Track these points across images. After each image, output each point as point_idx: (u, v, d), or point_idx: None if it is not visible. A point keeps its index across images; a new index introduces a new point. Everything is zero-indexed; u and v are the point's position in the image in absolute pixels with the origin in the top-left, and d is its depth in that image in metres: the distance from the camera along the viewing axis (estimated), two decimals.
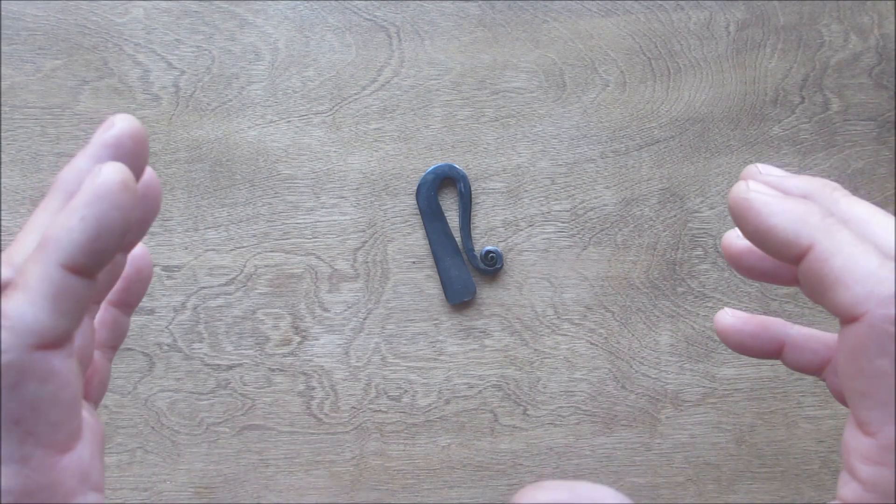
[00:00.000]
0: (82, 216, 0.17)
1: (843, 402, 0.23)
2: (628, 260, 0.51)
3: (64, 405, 0.18)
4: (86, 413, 0.20)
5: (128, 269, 0.24)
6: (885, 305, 0.17)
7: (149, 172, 0.20)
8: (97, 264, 0.17)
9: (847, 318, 0.18)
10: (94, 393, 0.23)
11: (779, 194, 0.19)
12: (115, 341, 0.25)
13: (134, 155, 0.19)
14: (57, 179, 0.19)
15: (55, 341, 0.17)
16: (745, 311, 0.51)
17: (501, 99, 0.51)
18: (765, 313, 0.50)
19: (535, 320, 0.50)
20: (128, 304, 0.25)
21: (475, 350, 0.50)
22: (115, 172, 0.17)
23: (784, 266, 0.23)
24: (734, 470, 0.50)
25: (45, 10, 0.50)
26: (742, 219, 0.19)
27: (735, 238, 0.23)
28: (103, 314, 0.24)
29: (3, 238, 0.50)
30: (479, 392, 0.50)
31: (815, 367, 0.24)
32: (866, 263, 0.18)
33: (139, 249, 0.24)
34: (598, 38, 0.51)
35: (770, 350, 0.25)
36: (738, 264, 0.23)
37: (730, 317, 0.25)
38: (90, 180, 0.17)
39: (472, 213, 0.51)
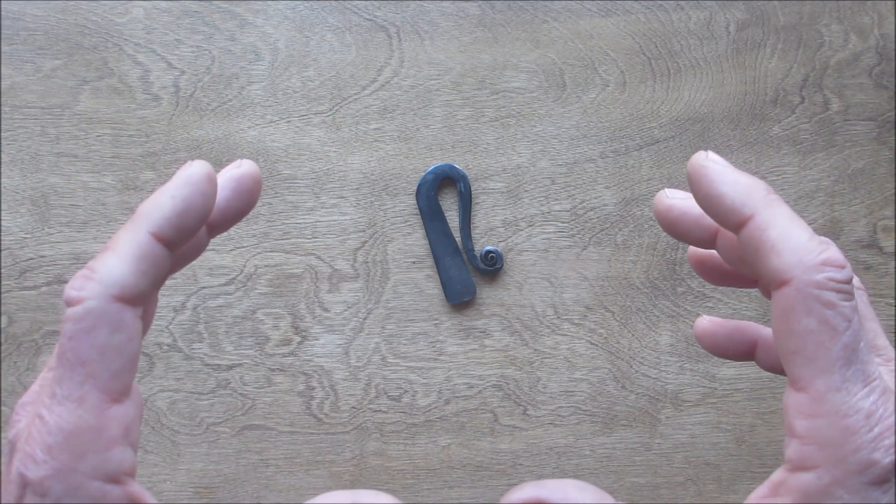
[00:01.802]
0: (172, 195, 0.20)
1: (777, 371, 0.26)
2: (628, 260, 0.51)
3: (126, 357, 0.20)
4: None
5: (229, 191, 0.24)
6: (811, 272, 0.19)
7: (251, 166, 0.23)
8: (180, 238, 0.20)
9: (778, 283, 0.20)
10: (146, 323, 0.24)
11: (731, 167, 0.21)
12: (189, 257, 0.25)
13: (250, 192, 0.23)
14: (141, 206, 0.22)
15: (133, 298, 0.20)
16: (744, 310, 0.51)
17: (501, 99, 0.51)
18: (762, 314, 0.50)
19: (535, 320, 0.50)
20: (219, 227, 0.24)
21: (475, 350, 0.50)
22: (202, 167, 0.21)
23: (700, 233, 0.25)
24: (734, 470, 0.50)
25: (45, 10, 0.50)
26: (697, 183, 0.21)
27: (665, 197, 0.25)
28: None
29: (3, 238, 0.50)
30: (479, 392, 0.50)
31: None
32: (798, 236, 0.20)
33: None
34: (598, 38, 0.51)
35: (744, 350, 0.27)
36: (666, 220, 0.25)
37: (706, 321, 0.27)
38: (182, 171, 0.21)
39: (472, 213, 0.51)
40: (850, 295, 0.19)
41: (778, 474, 0.20)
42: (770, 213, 0.20)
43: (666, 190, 0.24)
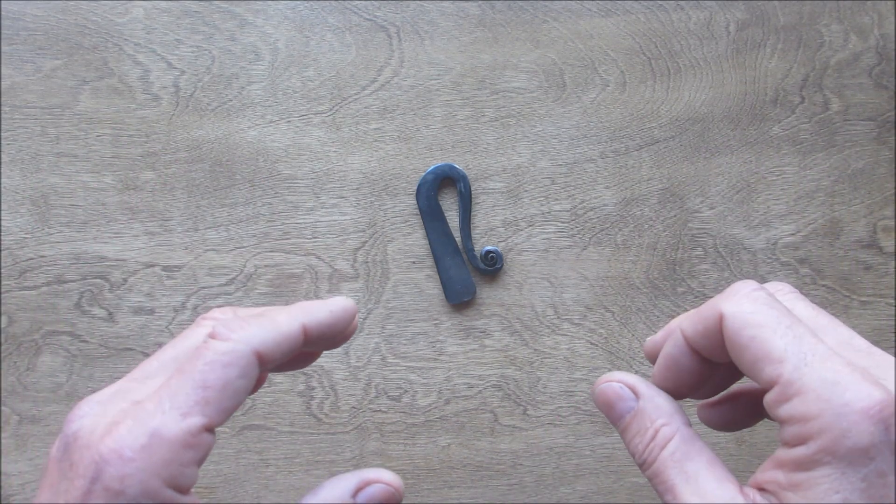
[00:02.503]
0: (330, 310, 0.25)
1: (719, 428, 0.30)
2: (628, 260, 0.51)
3: (236, 401, 0.22)
4: None
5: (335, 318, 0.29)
6: (729, 299, 0.24)
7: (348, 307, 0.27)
8: (316, 340, 0.25)
9: (718, 328, 0.24)
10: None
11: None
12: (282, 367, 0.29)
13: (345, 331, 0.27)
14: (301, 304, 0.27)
15: (265, 361, 0.23)
16: None
17: (501, 99, 0.51)
18: None
19: (535, 320, 0.50)
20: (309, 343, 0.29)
21: (475, 350, 0.50)
22: (351, 303, 0.26)
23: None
24: (734, 470, 0.50)
25: (45, 10, 0.50)
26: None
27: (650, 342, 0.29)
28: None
29: (3, 238, 0.50)
30: (479, 392, 0.50)
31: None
32: (712, 301, 0.24)
33: (347, 304, 0.29)
34: (598, 38, 0.51)
35: (750, 411, 0.29)
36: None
37: (706, 410, 0.30)
38: (338, 301, 0.26)
39: (472, 213, 0.51)
40: (768, 299, 0.23)
41: (779, 452, 0.22)
42: (682, 318, 0.25)
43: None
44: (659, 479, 0.23)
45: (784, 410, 0.22)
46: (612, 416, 0.26)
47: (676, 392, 0.26)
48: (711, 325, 0.24)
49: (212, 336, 0.22)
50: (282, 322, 0.24)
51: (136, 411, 0.21)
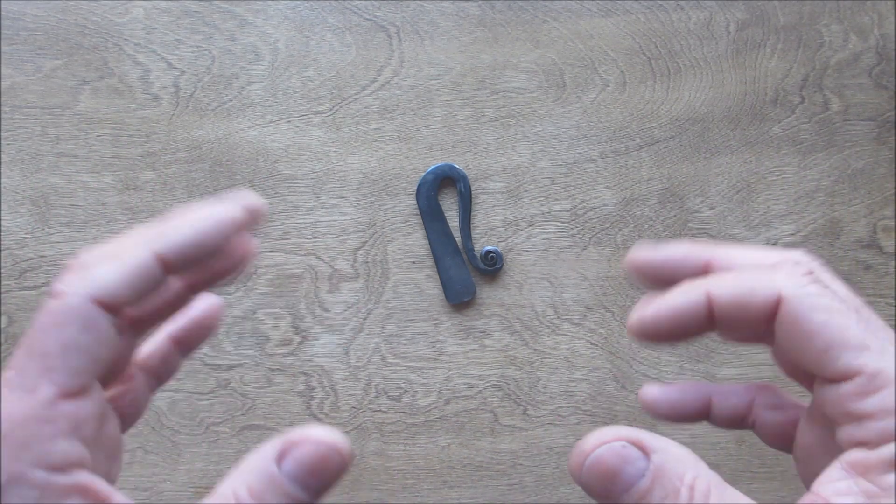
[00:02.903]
0: (190, 221, 0.21)
1: (734, 426, 0.26)
2: None
3: (90, 357, 0.20)
4: (112, 424, 0.23)
5: (197, 313, 0.27)
6: (790, 280, 0.21)
7: (217, 308, 0.25)
8: (186, 264, 0.21)
9: (772, 311, 0.21)
10: (127, 411, 0.25)
11: (663, 308, 0.23)
12: (162, 374, 0.27)
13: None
14: (160, 220, 0.23)
15: (111, 305, 0.20)
16: None
17: (501, 99, 0.51)
18: None
19: (535, 320, 0.50)
20: (186, 345, 0.27)
21: (475, 350, 0.50)
22: (226, 209, 0.21)
23: (689, 402, 0.26)
24: (734, 470, 0.50)
25: (45, 10, 0.50)
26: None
27: (648, 390, 0.26)
28: (161, 344, 0.26)
29: (3, 238, 0.50)
30: (479, 392, 0.50)
31: (742, 411, 0.26)
32: (755, 274, 0.21)
33: (215, 300, 0.27)
34: (598, 38, 0.51)
35: (698, 407, 0.26)
36: (654, 411, 0.26)
37: (655, 389, 0.26)
38: (213, 209, 0.21)
39: (472, 213, 0.51)
40: (823, 282, 0.21)
41: (854, 455, 0.20)
42: (716, 282, 0.22)
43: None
44: None
45: (870, 404, 0.19)
46: (619, 486, 0.21)
47: (652, 340, 0.23)
48: (760, 299, 0.21)
49: (51, 294, 0.20)
50: (126, 257, 0.20)
51: None
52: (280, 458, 0.20)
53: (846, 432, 0.20)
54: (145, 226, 0.22)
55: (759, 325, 0.21)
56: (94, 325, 0.20)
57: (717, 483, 0.20)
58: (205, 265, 0.21)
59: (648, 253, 0.24)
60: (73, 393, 0.20)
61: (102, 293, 0.20)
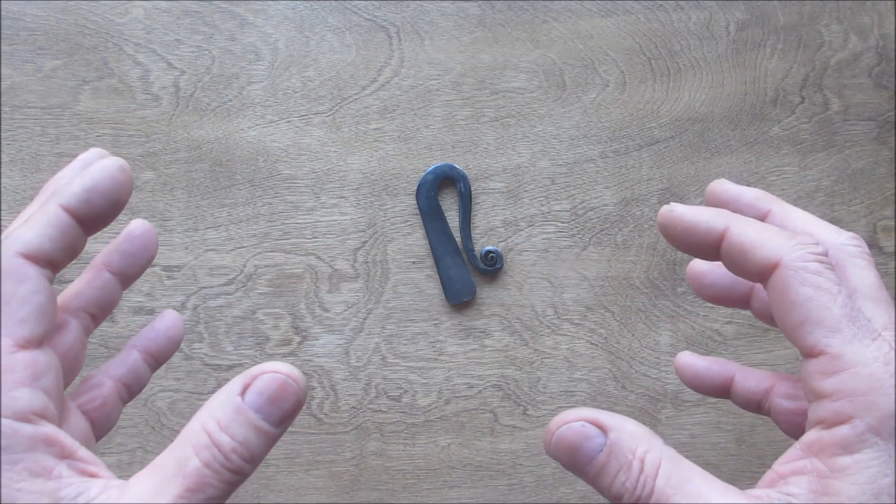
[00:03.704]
0: (83, 176, 0.22)
1: (751, 407, 0.28)
2: (628, 260, 0.51)
3: (32, 306, 0.21)
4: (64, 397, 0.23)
5: (162, 325, 0.28)
6: (794, 251, 0.21)
7: (142, 224, 0.27)
8: (89, 212, 0.22)
9: (769, 270, 0.22)
10: (97, 418, 0.26)
11: (693, 207, 0.24)
12: (131, 383, 0.28)
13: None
14: (47, 183, 0.25)
15: (37, 256, 0.21)
16: (742, 311, 0.51)
17: (501, 99, 0.51)
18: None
19: (535, 320, 0.50)
20: (153, 357, 0.28)
21: (475, 350, 0.50)
22: (116, 160, 0.23)
23: (736, 287, 0.28)
24: (734, 470, 0.50)
25: (45, 10, 0.50)
26: (671, 227, 0.24)
27: (697, 263, 0.28)
28: (128, 355, 0.28)
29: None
30: (479, 392, 0.50)
31: (759, 395, 0.28)
32: (772, 234, 0.22)
33: (172, 315, 0.29)
34: (598, 38, 0.51)
35: (722, 382, 0.29)
36: (698, 284, 0.28)
37: (688, 355, 0.29)
38: (98, 160, 0.23)
39: (472, 213, 0.51)
40: (830, 265, 0.21)
41: (811, 435, 0.21)
42: (741, 223, 0.23)
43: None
44: None
45: (829, 384, 0.21)
46: (579, 461, 0.22)
47: (671, 235, 0.24)
48: (762, 259, 0.22)
49: None
50: (37, 215, 0.22)
51: None
52: (243, 391, 0.21)
53: (810, 412, 0.21)
54: (44, 189, 0.24)
55: (751, 276, 0.23)
56: (27, 276, 0.21)
57: (669, 456, 0.22)
58: (109, 216, 0.23)
59: (725, 187, 0.26)
60: (27, 342, 0.21)
61: (26, 248, 0.21)
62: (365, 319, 0.50)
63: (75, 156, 0.50)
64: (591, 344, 0.50)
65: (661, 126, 0.51)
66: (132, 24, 0.50)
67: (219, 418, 0.21)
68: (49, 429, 0.20)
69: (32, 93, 0.50)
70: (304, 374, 0.50)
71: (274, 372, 0.21)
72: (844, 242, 0.23)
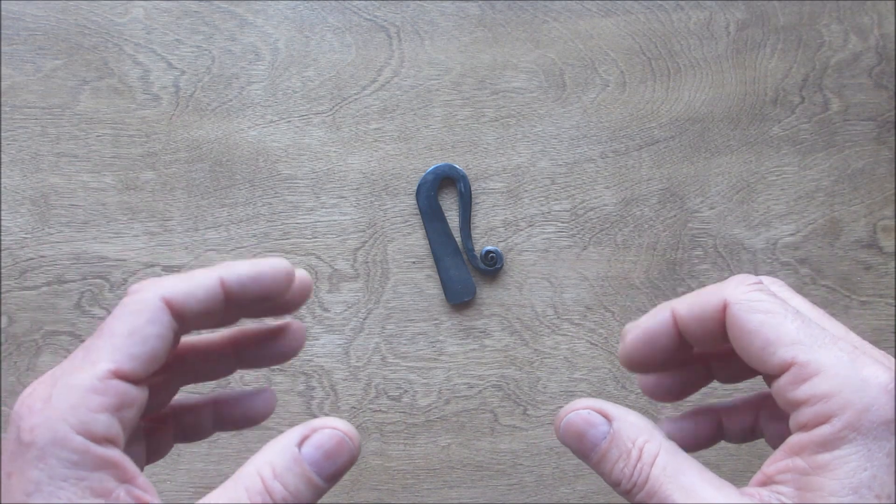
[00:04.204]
0: (255, 263, 0.24)
1: (747, 438, 0.29)
2: (628, 260, 0.51)
3: (149, 348, 0.22)
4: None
5: (255, 402, 0.29)
6: (736, 289, 0.23)
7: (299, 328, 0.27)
8: (242, 295, 0.23)
9: (719, 312, 0.23)
10: (152, 445, 0.27)
11: (636, 325, 0.26)
12: (191, 432, 0.29)
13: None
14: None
15: (176, 306, 0.22)
16: None
17: (501, 99, 0.51)
18: None
19: (535, 320, 0.50)
20: (224, 421, 0.29)
21: (475, 350, 0.50)
22: (288, 265, 0.24)
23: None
24: (734, 470, 0.50)
25: (45, 10, 0.50)
26: (633, 349, 0.26)
27: (644, 380, 0.28)
28: (199, 403, 0.29)
29: (3, 238, 0.50)
30: (479, 392, 0.50)
31: (749, 426, 0.29)
32: (709, 290, 0.24)
33: (269, 398, 0.30)
34: (598, 38, 0.51)
35: (711, 434, 0.29)
36: (656, 390, 0.29)
37: (670, 425, 0.29)
38: (273, 260, 0.24)
39: (472, 213, 0.51)
40: (770, 292, 0.23)
41: (793, 438, 0.22)
42: (680, 301, 0.25)
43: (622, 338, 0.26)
44: (655, 498, 0.22)
45: (802, 391, 0.21)
46: (584, 447, 0.24)
47: (641, 366, 0.26)
48: (711, 309, 0.24)
49: (125, 294, 0.23)
50: (197, 274, 0.23)
51: (55, 371, 0.22)
52: (301, 441, 0.22)
53: (791, 420, 0.22)
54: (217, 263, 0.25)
55: (715, 331, 0.24)
56: (160, 319, 0.22)
57: (668, 448, 0.23)
58: (256, 308, 0.24)
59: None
60: (127, 376, 0.21)
61: (171, 295, 0.22)
62: (365, 319, 0.50)
63: (75, 155, 0.50)
64: (591, 344, 0.50)
65: (661, 126, 0.51)
66: (132, 24, 0.50)
67: (274, 465, 0.22)
68: (116, 454, 0.21)
69: (32, 93, 0.50)
70: (304, 374, 0.50)
71: (333, 428, 0.23)
72: (756, 286, 0.24)
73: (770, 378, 0.23)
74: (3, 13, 0.50)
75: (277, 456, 0.22)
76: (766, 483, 0.23)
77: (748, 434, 0.29)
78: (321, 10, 0.51)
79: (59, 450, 0.20)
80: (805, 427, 0.21)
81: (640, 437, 0.23)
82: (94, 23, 0.50)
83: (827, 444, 0.21)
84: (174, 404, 0.28)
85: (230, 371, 0.27)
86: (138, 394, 0.22)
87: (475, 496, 0.50)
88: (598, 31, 0.51)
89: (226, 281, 0.23)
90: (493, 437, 0.50)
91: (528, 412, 0.50)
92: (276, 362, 0.28)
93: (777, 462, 0.22)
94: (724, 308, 0.23)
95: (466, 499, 0.50)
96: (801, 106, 0.51)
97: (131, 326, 0.22)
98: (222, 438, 0.49)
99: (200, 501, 0.21)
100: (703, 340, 0.25)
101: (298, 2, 0.51)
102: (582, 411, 0.24)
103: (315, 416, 0.50)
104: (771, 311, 0.22)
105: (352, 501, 0.49)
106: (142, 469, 0.26)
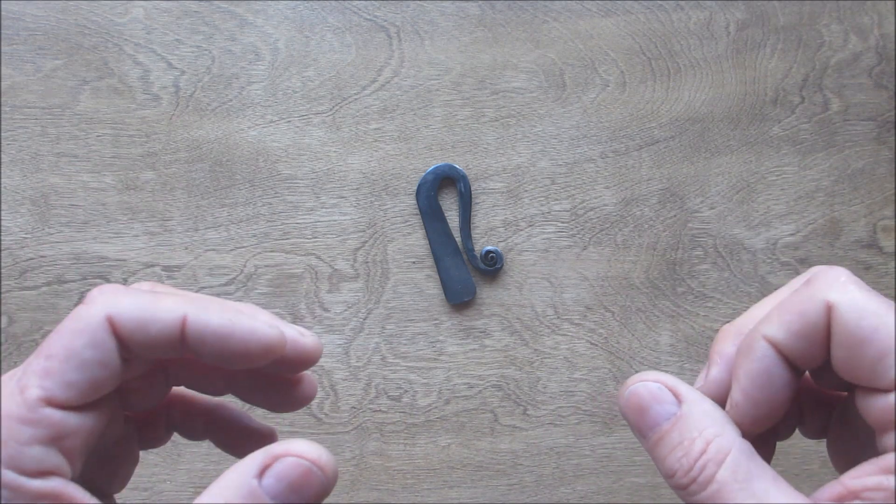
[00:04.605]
0: (227, 319, 0.20)
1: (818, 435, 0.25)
2: (628, 260, 0.51)
3: (88, 375, 0.19)
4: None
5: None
6: (845, 293, 0.19)
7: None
8: (202, 345, 0.20)
9: (820, 317, 0.20)
10: (146, 436, 0.26)
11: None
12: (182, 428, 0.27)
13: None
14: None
15: (122, 332, 0.20)
16: (744, 309, 0.51)
17: (501, 99, 0.51)
18: None
19: (535, 320, 0.50)
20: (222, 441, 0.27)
21: (475, 350, 0.50)
22: (271, 334, 0.21)
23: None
24: None
25: (45, 10, 0.50)
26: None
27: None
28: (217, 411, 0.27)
29: (3, 238, 0.50)
30: (479, 392, 0.50)
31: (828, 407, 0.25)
32: (796, 295, 0.20)
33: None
34: (598, 38, 0.51)
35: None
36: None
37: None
38: (267, 320, 0.22)
39: (472, 213, 0.51)
40: (867, 289, 0.20)
41: (888, 458, 0.19)
42: (763, 325, 0.21)
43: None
44: (720, 500, 0.19)
45: None
46: (644, 423, 0.21)
47: (768, 420, 0.21)
48: (814, 319, 0.20)
49: (82, 300, 0.20)
50: (162, 303, 0.20)
51: None
52: (261, 472, 0.19)
53: (885, 438, 0.19)
54: (202, 294, 0.22)
55: (819, 344, 0.20)
56: (101, 344, 0.19)
57: (741, 448, 0.20)
58: (231, 358, 0.21)
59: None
60: (62, 405, 0.19)
61: (120, 318, 0.19)
62: (365, 319, 0.50)
63: (75, 155, 0.50)
64: (591, 344, 0.50)
65: (661, 126, 0.51)
66: (132, 24, 0.50)
67: (230, 500, 0.19)
68: (57, 484, 0.19)
69: (32, 93, 0.50)
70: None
71: (298, 456, 0.19)
72: (855, 283, 0.21)
73: (870, 392, 0.20)
74: (3, 13, 0.50)
75: (232, 491, 0.19)
76: (848, 498, 0.20)
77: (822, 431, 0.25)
78: (321, 10, 0.51)
79: None
80: None
81: (710, 428, 0.20)
82: (94, 23, 0.50)
83: None
84: (172, 395, 0.25)
85: (222, 393, 0.25)
86: (83, 421, 0.19)
87: (475, 496, 0.50)
88: (598, 31, 0.51)
89: (190, 322, 0.20)
90: (493, 437, 0.50)
91: (528, 412, 0.50)
92: (272, 408, 0.24)
93: (864, 478, 0.20)
94: (829, 313, 0.19)
95: (466, 499, 0.50)
96: (801, 106, 0.51)
97: (68, 350, 0.19)
98: None
99: None
100: (810, 360, 0.21)
101: (298, 2, 0.51)
102: (651, 384, 0.21)
103: (316, 417, 0.50)
104: (883, 315, 0.19)
105: (352, 501, 0.49)
106: (136, 461, 0.25)
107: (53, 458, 0.19)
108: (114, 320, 0.19)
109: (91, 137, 0.50)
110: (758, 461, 0.20)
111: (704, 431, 0.20)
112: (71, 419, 0.19)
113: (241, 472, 0.19)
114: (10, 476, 0.18)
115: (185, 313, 0.20)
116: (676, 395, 0.21)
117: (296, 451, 0.19)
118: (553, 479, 0.50)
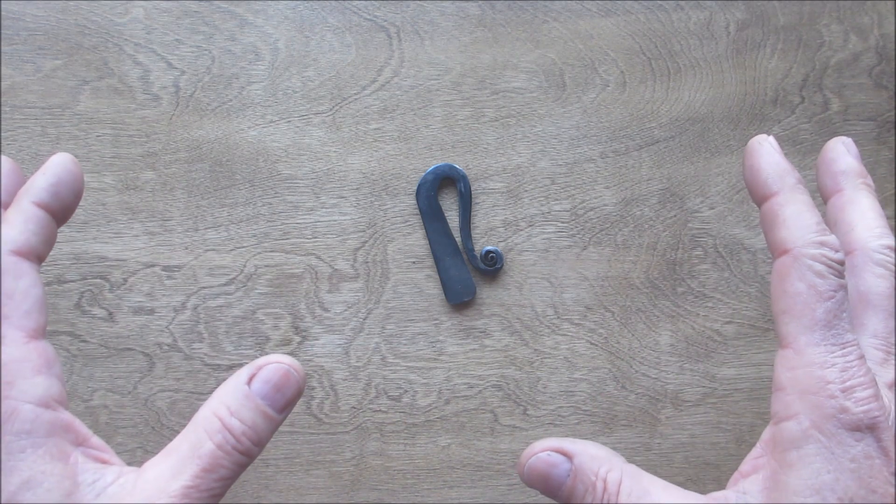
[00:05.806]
0: (44, 172, 0.24)
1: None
2: (628, 260, 0.51)
3: (33, 299, 0.23)
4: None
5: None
6: (809, 245, 0.22)
7: (68, 160, 0.27)
8: (57, 204, 0.24)
9: (780, 251, 0.23)
10: None
11: (780, 153, 0.24)
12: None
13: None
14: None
15: (26, 251, 0.23)
16: (744, 310, 0.51)
17: (501, 99, 0.51)
18: (762, 314, 0.50)
19: (535, 320, 0.50)
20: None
21: (475, 350, 0.50)
22: (65, 154, 0.25)
23: None
24: (734, 470, 0.50)
25: (45, 10, 0.50)
26: (747, 156, 0.25)
27: None
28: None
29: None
30: (479, 392, 0.50)
31: None
32: (808, 218, 0.23)
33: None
34: (598, 38, 0.51)
35: None
36: None
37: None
38: (50, 158, 0.25)
39: (472, 213, 0.51)
40: (839, 274, 0.22)
41: (766, 432, 0.22)
42: (791, 196, 0.23)
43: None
44: None
45: (786, 376, 0.22)
46: (550, 487, 0.25)
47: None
48: (779, 240, 0.23)
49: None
50: (13, 214, 0.24)
51: None
52: (250, 379, 0.23)
53: (771, 402, 0.23)
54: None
55: (769, 245, 0.24)
56: (23, 271, 0.23)
57: (630, 473, 0.23)
58: (74, 205, 0.25)
59: (833, 155, 0.26)
60: (35, 333, 0.22)
61: (16, 245, 0.23)
62: (365, 319, 0.50)
63: (75, 155, 0.50)
64: (591, 344, 0.50)
65: (661, 126, 0.51)
66: (132, 24, 0.50)
67: (229, 404, 0.23)
68: (66, 416, 0.22)
69: (32, 93, 0.50)
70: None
71: (277, 363, 0.24)
72: (875, 248, 0.24)
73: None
74: (3, 13, 0.50)
75: (230, 395, 0.23)
76: (738, 481, 0.23)
77: None
78: (321, 10, 0.51)
79: (11, 424, 0.20)
80: (776, 417, 0.22)
81: (601, 468, 0.24)
82: (94, 23, 0.50)
83: (794, 441, 0.21)
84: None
85: (55, 232, 0.28)
86: (51, 345, 0.23)
87: (475, 496, 0.50)
88: (598, 31, 0.51)
89: (40, 202, 0.24)
90: (493, 437, 0.50)
91: (528, 412, 0.50)
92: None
93: (752, 459, 0.23)
94: (786, 250, 0.23)
95: (466, 499, 0.50)
96: (801, 106, 0.51)
97: (7, 292, 0.22)
98: None
99: (165, 449, 0.22)
100: (767, 237, 0.24)
101: (298, 2, 0.51)
102: (541, 454, 0.25)
103: (316, 418, 0.50)
104: (816, 289, 0.22)
105: (352, 501, 0.49)
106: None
107: (56, 386, 0.22)
108: (14, 250, 0.23)
109: (91, 137, 0.50)
110: (646, 476, 0.24)
111: (598, 472, 0.23)
112: (48, 346, 0.23)
113: (234, 382, 0.23)
114: (27, 408, 0.21)
115: (30, 202, 0.24)
116: (566, 454, 0.24)
117: (275, 359, 0.24)
118: None
